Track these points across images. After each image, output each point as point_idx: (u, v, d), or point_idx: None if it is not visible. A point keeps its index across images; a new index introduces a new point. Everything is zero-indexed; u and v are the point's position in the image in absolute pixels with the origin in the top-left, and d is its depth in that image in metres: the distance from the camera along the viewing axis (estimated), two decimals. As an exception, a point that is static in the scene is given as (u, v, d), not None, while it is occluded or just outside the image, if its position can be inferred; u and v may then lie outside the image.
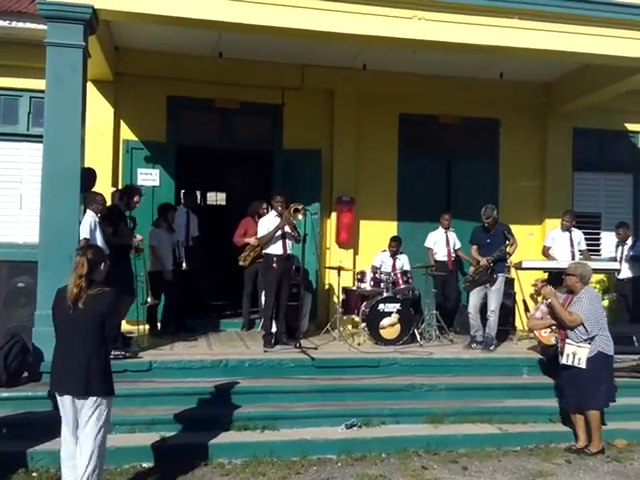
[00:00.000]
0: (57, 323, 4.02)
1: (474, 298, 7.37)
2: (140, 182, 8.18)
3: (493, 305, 7.26)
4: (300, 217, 7.05)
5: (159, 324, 7.78)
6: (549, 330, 6.72)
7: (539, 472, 5.00)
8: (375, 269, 8.19)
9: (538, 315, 6.91)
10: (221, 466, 4.97)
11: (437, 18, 6.68)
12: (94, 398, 3.88)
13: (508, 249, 7.38)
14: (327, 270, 8.91)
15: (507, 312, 8.54)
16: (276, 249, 7.05)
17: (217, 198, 17.34)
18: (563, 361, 5.57)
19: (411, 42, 6.93)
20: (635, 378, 6.55)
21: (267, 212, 7.76)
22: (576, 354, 5.47)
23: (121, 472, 4.77)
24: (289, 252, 7.15)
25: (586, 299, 5.55)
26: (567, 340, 5.56)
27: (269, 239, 7.00)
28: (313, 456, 5.20)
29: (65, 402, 3.92)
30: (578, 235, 8.58)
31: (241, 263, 8.21)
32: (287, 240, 7.09)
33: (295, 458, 5.15)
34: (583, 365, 5.42)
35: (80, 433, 3.94)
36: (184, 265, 7.77)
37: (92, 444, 3.93)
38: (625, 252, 8.61)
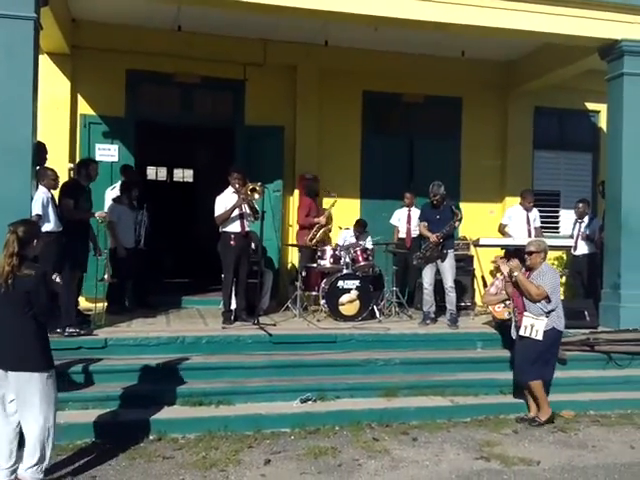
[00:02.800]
0: None
1: (428, 274, 7.46)
2: (98, 158, 8.05)
3: (450, 281, 7.36)
4: (257, 197, 7.04)
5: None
6: (503, 305, 6.88)
7: (486, 442, 5.14)
8: (339, 247, 8.23)
9: (492, 291, 7.05)
10: (174, 441, 5.00)
11: (396, -5, 6.66)
12: (29, 374, 3.87)
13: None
14: (289, 247, 8.93)
15: (466, 288, 8.71)
16: (234, 227, 7.04)
17: (184, 175, 17.20)
18: (521, 332, 5.70)
19: (371, 18, 6.92)
20: (584, 352, 6.72)
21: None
22: (534, 326, 5.61)
23: (73, 448, 4.76)
24: (247, 230, 7.15)
25: (549, 273, 5.73)
26: (525, 313, 5.69)
27: (226, 218, 6.98)
28: (267, 430, 5.26)
29: None
30: (534, 213, 8.72)
31: (310, 243, 8.27)
32: (245, 218, 7.08)
33: (249, 432, 5.19)
34: (540, 337, 5.57)
35: (23, 411, 3.93)
36: (142, 244, 7.70)
37: (38, 422, 3.93)
38: (582, 230, 8.78)
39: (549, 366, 5.74)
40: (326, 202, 9.05)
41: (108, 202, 7.81)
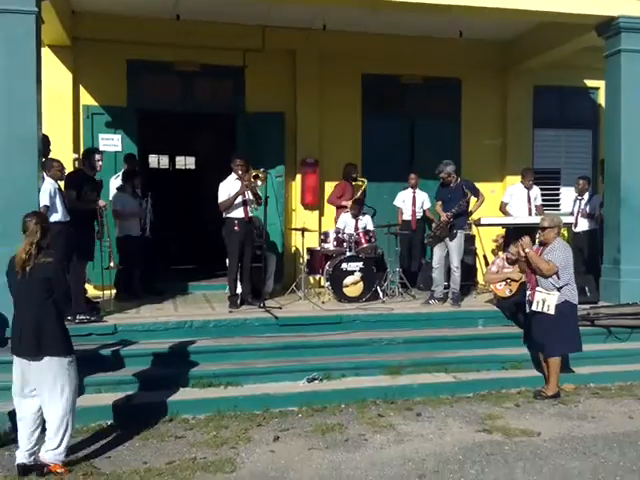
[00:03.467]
0: (12, 290, 4.16)
1: (437, 253, 7.55)
2: (102, 147, 8.15)
3: (455, 261, 7.41)
4: (260, 183, 7.14)
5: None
6: (504, 283, 7.00)
7: (488, 415, 5.29)
8: (338, 230, 8.31)
9: (494, 269, 7.19)
10: (185, 421, 5.17)
11: (391, -23, 6.72)
12: (50, 358, 4.02)
13: (471, 205, 7.54)
14: (293, 231, 9.05)
15: (468, 267, 8.82)
16: (238, 213, 7.16)
17: (186, 162, 17.30)
18: (533, 307, 5.84)
19: (369, 1, 6.96)
20: (585, 326, 6.80)
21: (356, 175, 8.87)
22: (545, 301, 5.74)
23: (88, 430, 4.93)
24: (250, 215, 7.27)
25: (560, 249, 5.83)
26: (537, 288, 5.81)
27: (229, 205, 7.10)
28: (275, 409, 5.42)
29: (21, 365, 4.07)
30: (535, 191, 8.79)
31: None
32: (248, 204, 7.20)
33: (258, 411, 5.36)
34: (552, 311, 5.70)
35: (45, 396, 4.09)
36: (147, 232, 7.82)
37: (60, 406, 4.09)
38: (582, 207, 8.85)
39: (574, 339, 5.87)
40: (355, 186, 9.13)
41: (113, 191, 7.93)
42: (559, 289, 5.74)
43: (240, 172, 7.21)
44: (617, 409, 5.52)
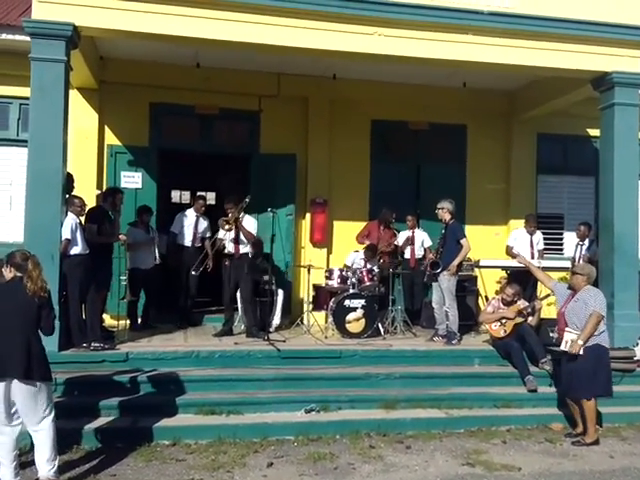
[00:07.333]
0: None
1: (435, 293, 7.90)
2: (123, 184, 8.65)
3: (446, 301, 7.72)
4: (227, 227, 7.73)
5: (139, 319, 8.24)
6: (499, 324, 7.27)
7: (474, 450, 5.53)
8: (347, 267, 8.65)
9: (489, 310, 7.46)
10: (187, 446, 5.48)
11: (394, 34, 7.21)
12: (41, 383, 4.34)
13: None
14: (301, 268, 9.41)
15: (469, 307, 9.09)
16: (227, 250, 7.86)
17: (207, 197, 17.86)
18: (562, 347, 6.04)
19: (372, 56, 7.44)
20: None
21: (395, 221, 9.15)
22: (575, 341, 5.93)
23: (96, 450, 5.28)
24: (241, 252, 7.83)
25: (596, 295, 6.05)
26: (567, 328, 6.02)
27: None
28: (273, 437, 5.71)
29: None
30: (537, 236, 9.10)
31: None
32: (239, 242, 7.82)
33: (256, 439, 5.65)
34: (581, 352, 5.87)
35: (35, 420, 4.39)
36: (157, 260, 8.17)
37: (50, 429, 4.40)
38: (583, 252, 9.12)
39: (605, 382, 5.99)
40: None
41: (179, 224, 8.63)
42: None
43: (230, 215, 7.81)
44: (600, 449, 5.72)
